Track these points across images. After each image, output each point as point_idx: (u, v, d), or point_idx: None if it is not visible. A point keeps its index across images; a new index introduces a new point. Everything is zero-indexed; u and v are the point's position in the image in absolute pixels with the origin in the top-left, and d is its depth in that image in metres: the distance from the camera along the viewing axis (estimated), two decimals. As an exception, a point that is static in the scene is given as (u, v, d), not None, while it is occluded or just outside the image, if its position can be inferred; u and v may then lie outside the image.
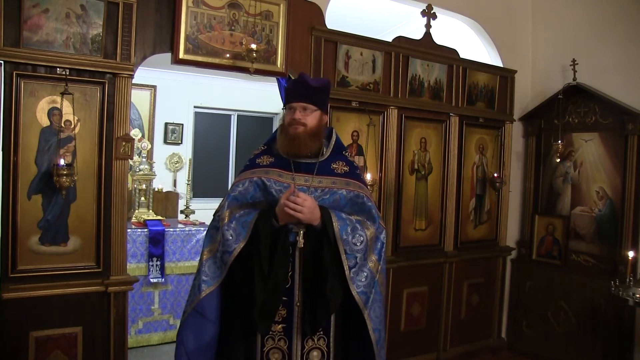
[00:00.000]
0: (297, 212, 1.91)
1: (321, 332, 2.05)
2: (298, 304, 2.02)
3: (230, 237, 1.99)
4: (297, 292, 2.02)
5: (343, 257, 1.96)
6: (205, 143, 6.80)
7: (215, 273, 2.03)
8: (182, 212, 5.34)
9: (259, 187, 2.07)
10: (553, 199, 4.30)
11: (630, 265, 3.16)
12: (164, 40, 2.87)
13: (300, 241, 1.98)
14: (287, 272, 1.99)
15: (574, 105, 4.15)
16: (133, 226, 4.26)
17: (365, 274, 2.01)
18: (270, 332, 2.03)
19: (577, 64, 4.04)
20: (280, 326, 2.02)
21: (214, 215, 2.15)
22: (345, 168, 2.14)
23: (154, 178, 4.85)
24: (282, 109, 2.15)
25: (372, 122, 3.55)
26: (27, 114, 2.49)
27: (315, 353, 2.05)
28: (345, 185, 2.09)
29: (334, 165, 2.13)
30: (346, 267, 1.96)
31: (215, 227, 2.09)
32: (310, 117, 2.05)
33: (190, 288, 2.13)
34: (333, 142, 2.19)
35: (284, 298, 2.01)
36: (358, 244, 1.99)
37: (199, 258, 2.15)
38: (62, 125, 2.56)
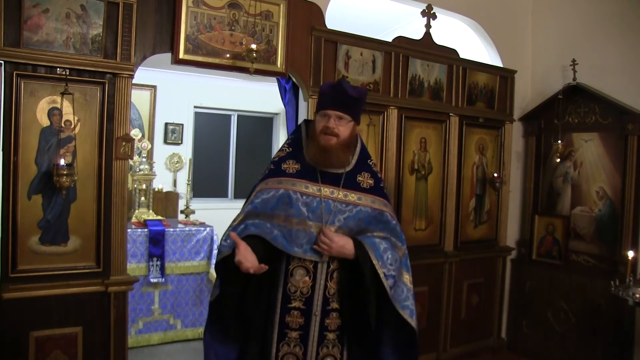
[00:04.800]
0: (325, 249, 1.96)
1: (336, 340, 2.05)
2: (317, 313, 2.02)
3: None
4: (316, 302, 2.02)
5: (384, 280, 1.98)
6: (205, 143, 6.79)
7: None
8: (182, 212, 5.34)
9: (283, 200, 2.01)
10: (553, 199, 4.30)
11: (630, 265, 3.16)
12: (164, 40, 2.87)
13: (325, 256, 2.00)
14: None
15: (574, 105, 4.14)
16: (133, 226, 4.26)
17: (402, 288, 2.05)
18: (286, 338, 2.03)
19: (577, 64, 4.04)
20: (296, 333, 2.03)
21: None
22: (370, 181, 2.11)
23: (154, 178, 4.85)
24: (316, 112, 2.09)
25: (372, 122, 3.55)
26: (27, 114, 2.49)
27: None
28: (371, 203, 2.07)
29: (359, 178, 2.10)
30: (388, 289, 1.99)
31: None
32: (344, 128, 2.02)
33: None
34: (358, 151, 2.16)
35: (302, 307, 2.02)
36: (393, 264, 2.01)
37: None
38: (62, 125, 2.56)
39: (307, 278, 2.02)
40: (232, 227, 2.04)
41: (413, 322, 2.03)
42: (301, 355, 2.03)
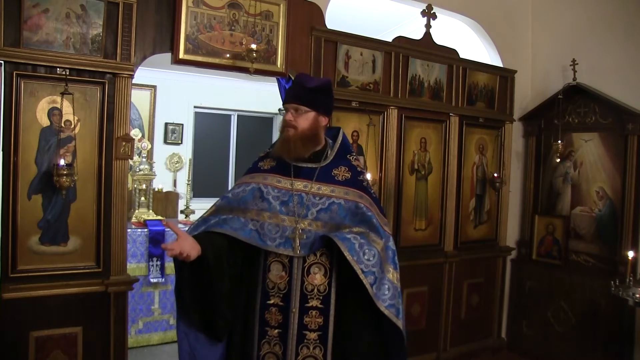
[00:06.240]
0: None
1: (317, 341, 1.99)
2: (294, 310, 1.97)
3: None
4: (294, 298, 1.98)
5: (362, 277, 1.88)
6: (205, 143, 6.81)
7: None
8: (182, 212, 5.35)
9: (254, 194, 2.03)
10: (553, 199, 4.30)
11: (630, 265, 3.16)
12: (164, 40, 2.87)
13: (297, 248, 1.95)
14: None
15: (574, 105, 4.14)
16: (133, 226, 4.26)
17: (387, 286, 1.92)
18: (267, 337, 2.00)
19: (577, 64, 4.04)
20: (276, 331, 1.99)
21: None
22: (347, 175, 2.06)
23: (154, 178, 4.85)
24: (279, 109, 2.15)
25: (372, 122, 3.55)
26: (27, 114, 2.49)
27: None
28: (344, 194, 2.01)
29: (335, 172, 2.05)
30: (367, 285, 1.88)
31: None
32: (302, 119, 2.00)
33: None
34: (338, 145, 2.13)
35: (280, 303, 1.98)
36: (371, 259, 1.91)
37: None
38: (62, 125, 2.56)
39: (283, 273, 1.99)
40: (203, 219, 2.04)
41: (399, 322, 1.90)
42: (281, 355, 1.98)
